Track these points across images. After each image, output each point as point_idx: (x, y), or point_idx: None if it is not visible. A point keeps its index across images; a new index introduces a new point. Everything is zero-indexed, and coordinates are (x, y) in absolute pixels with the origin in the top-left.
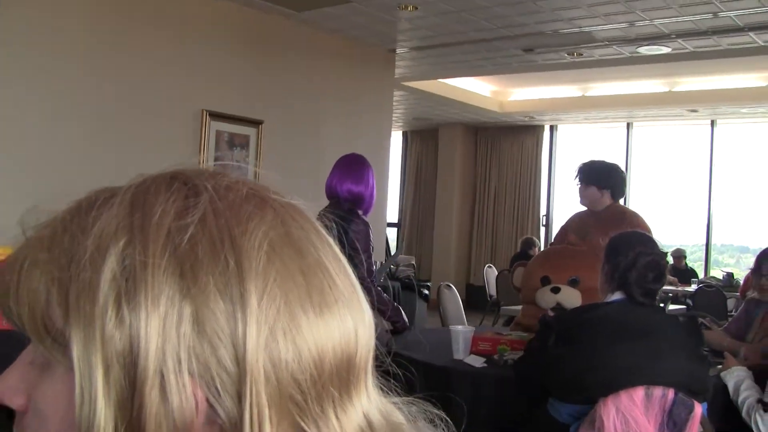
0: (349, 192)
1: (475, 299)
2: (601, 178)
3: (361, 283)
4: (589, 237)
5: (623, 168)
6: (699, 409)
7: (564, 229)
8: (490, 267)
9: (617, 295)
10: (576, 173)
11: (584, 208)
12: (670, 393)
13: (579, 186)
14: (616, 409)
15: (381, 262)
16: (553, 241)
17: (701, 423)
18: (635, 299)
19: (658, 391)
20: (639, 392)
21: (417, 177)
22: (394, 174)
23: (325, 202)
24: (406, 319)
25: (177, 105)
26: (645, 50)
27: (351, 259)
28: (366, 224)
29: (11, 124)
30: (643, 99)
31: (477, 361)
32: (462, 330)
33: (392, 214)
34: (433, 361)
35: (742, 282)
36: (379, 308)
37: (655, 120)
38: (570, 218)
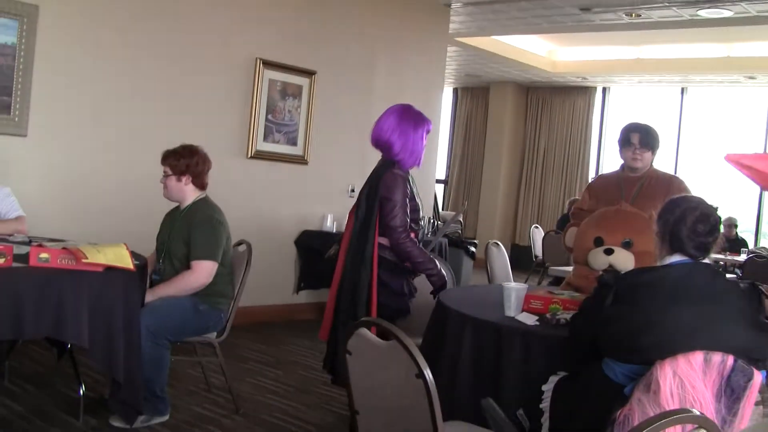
0: (376, 141)
1: (521, 259)
2: (656, 144)
3: (393, 234)
4: (638, 203)
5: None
6: (759, 377)
7: (586, 192)
8: (536, 227)
9: (676, 257)
10: (635, 133)
11: (612, 170)
12: (730, 359)
13: (637, 150)
14: (673, 373)
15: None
16: (578, 203)
17: (760, 391)
18: (688, 252)
19: (717, 357)
20: (697, 357)
21: (466, 134)
22: (444, 130)
23: (373, 153)
24: (444, 273)
25: (231, 52)
26: (705, 13)
27: (383, 208)
28: (398, 177)
29: (57, 68)
30: (699, 64)
31: (529, 319)
32: (515, 287)
33: (440, 170)
34: (483, 316)
35: None
36: (413, 262)
37: (710, 85)
38: (594, 181)
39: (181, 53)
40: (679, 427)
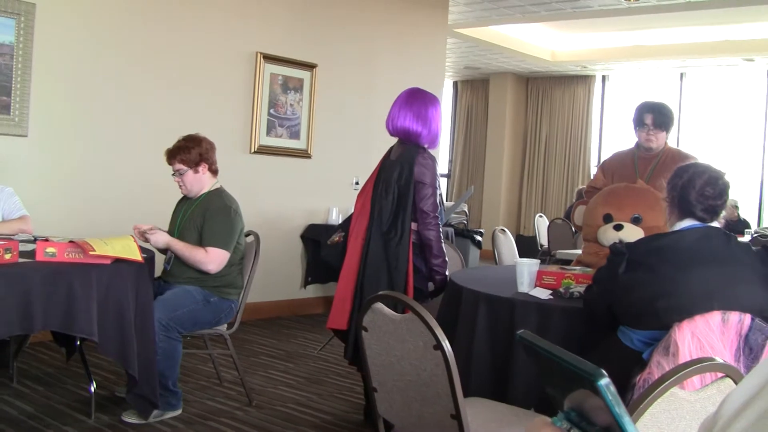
0: (405, 130)
1: (526, 249)
2: (670, 123)
3: (423, 219)
4: (653, 181)
5: (676, 118)
6: None
7: (599, 170)
8: (540, 216)
9: (686, 222)
10: (646, 115)
11: (625, 149)
12: (747, 318)
13: (651, 130)
14: (691, 334)
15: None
16: (591, 181)
17: None
18: (697, 216)
19: (734, 317)
20: (715, 317)
21: (467, 127)
22: (445, 124)
23: (377, 144)
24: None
25: (231, 47)
26: None
27: (417, 192)
28: (432, 158)
29: (58, 63)
30: (698, 48)
31: (543, 294)
32: (528, 262)
33: (442, 164)
34: (497, 293)
35: None
36: (430, 252)
37: (709, 68)
38: (610, 159)
39: (180, 49)
40: (697, 380)
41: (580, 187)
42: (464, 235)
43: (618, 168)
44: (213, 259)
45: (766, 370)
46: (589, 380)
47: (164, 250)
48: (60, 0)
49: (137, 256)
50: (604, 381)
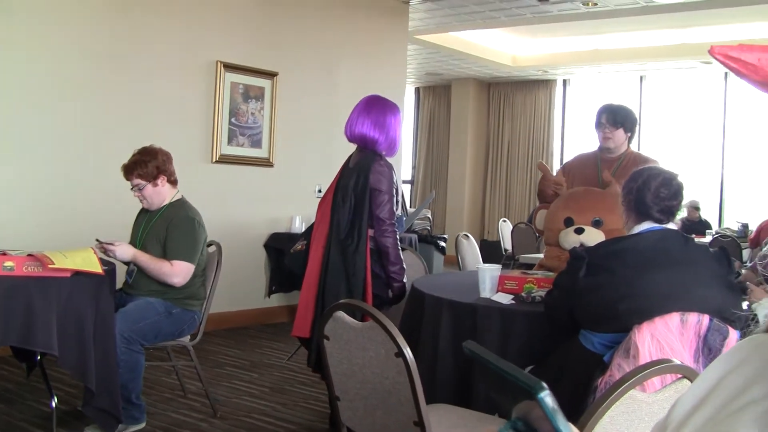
0: (362, 137)
1: (490, 254)
2: (628, 122)
3: (380, 226)
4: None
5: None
6: (734, 335)
7: (560, 172)
8: (504, 221)
9: (645, 225)
10: (602, 114)
11: (588, 151)
12: (705, 319)
13: (606, 129)
14: (651, 336)
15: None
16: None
17: None
18: (654, 217)
19: (693, 317)
20: (674, 318)
21: (429, 133)
22: (408, 131)
23: (339, 152)
24: (407, 286)
25: (191, 56)
26: None
27: (373, 199)
28: (389, 166)
29: (17, 78)
30: (656, 51)
31: (505, 299)
32: (489, 268)
33: (406, 171)
34: (459, 299)
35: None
36: (387, 260)
37: (668, 71)
38: (571, 161)
39: (141, 59)
40: (658, 382)
41: None
42: (428, 241)
43: (579, 170)
44: (178, 272)
45: (713, 374)
46: (530, 392)
47: (128, 263)
48: (18, 9)
49: (97, 269)
50: (544, 393)
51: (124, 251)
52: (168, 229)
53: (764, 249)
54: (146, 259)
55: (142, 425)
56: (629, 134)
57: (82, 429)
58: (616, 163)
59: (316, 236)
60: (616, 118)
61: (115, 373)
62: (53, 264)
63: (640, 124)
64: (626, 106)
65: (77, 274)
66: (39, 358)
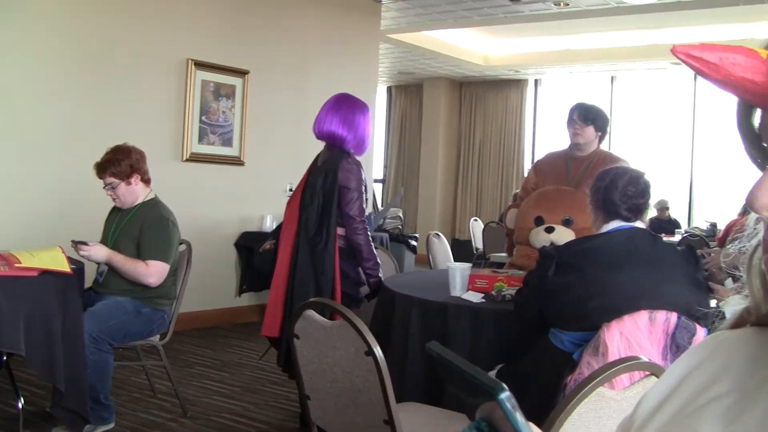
0: (331, 135)
1: (462, 253)
2: (598, 120)
3: (351, 224)
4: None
5: None
6: (701, 333)
7: (531, 171)
8: (475, 220)
9: (613, 224)
10: (574, 111)
11: (559, 150)
12: (673, 317)
13: (576, 125)
14: (620, 334)
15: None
16: (523, 183)
17: None
18: (622, 215)
19: (661, 315)
20: (642, 316)
21: (401, 132)
22: (379, 130)
23: (310, 151)
24: (383, 278)
25: (162, 54)
26: (631, 0)
27: (342, 197)
28: (357, 164)
29: None
30: (627, 52)
31: (475, 297)
32: (459, 267)
33: (377, 170)
34: (430, 297)
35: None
36: (360, 256)
37: (638, 72)
38: (542, 159)
39: (111, 57)
40: (626, 379)
41: (516, 191)
42: (399, 240)
43: (550, 169)
44: (154, 272)
45: (678, 371)
46: (491, 394)
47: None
48: None
49: (65, 268)
50: (504, 395)
51: (99, 252)
52: (142, 228)
53: (728, 246)
54: (121, 260)
55: (111, 425)
56: (600, 133)
57: (49, 430)
58: (586, 162)
59: (284, 235)
60: (587, 116)
61: (83, 374)
62: (20, 263)
63: (610, 125)
64: (599, 107)
65: (45, 273)
66: (5, 358)
